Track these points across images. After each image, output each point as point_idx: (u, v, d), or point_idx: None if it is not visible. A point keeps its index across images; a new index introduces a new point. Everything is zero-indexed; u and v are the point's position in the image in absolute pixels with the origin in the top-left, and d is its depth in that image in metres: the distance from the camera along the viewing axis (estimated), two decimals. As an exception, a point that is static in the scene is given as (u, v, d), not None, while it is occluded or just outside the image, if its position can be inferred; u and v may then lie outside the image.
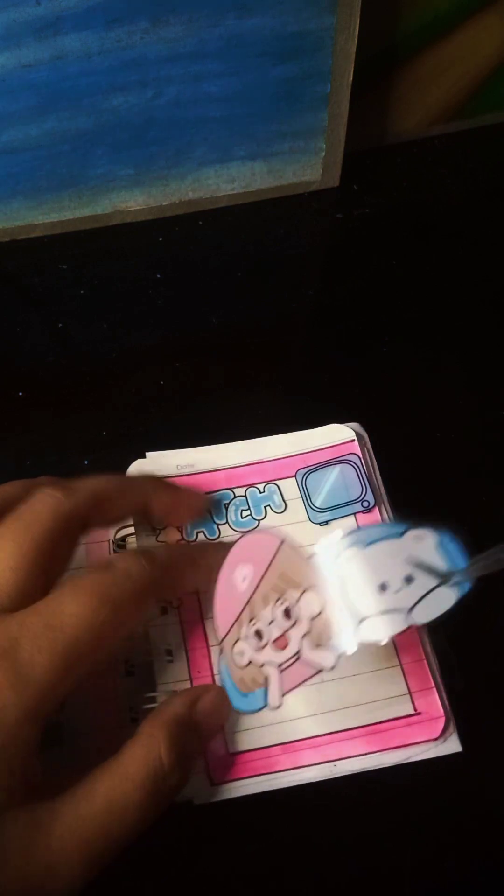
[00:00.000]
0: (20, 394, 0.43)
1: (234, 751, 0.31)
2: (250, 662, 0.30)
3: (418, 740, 0.32)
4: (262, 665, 0.30)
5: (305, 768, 0.31)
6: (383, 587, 0.28)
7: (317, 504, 0.37)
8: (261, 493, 0.37)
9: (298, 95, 0.46)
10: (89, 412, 0.42)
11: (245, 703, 0.30)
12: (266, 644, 0.30)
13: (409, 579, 0.28)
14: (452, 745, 0.32)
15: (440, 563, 0.28)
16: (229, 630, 0.31)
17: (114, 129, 0.45)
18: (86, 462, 0.40)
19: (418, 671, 0.33)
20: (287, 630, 0.29)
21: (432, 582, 0.28)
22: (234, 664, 0.31)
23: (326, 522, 0.36)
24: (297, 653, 0.29)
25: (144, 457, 0.39)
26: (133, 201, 0.49)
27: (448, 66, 0.49)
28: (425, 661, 0.34)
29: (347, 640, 0.28)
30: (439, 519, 0.38)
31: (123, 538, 0.37)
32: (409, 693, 0.33)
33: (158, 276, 0.48)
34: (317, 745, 0.32)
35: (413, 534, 0.28)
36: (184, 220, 0.50)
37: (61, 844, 0.24)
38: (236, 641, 0.31)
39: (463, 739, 0.32)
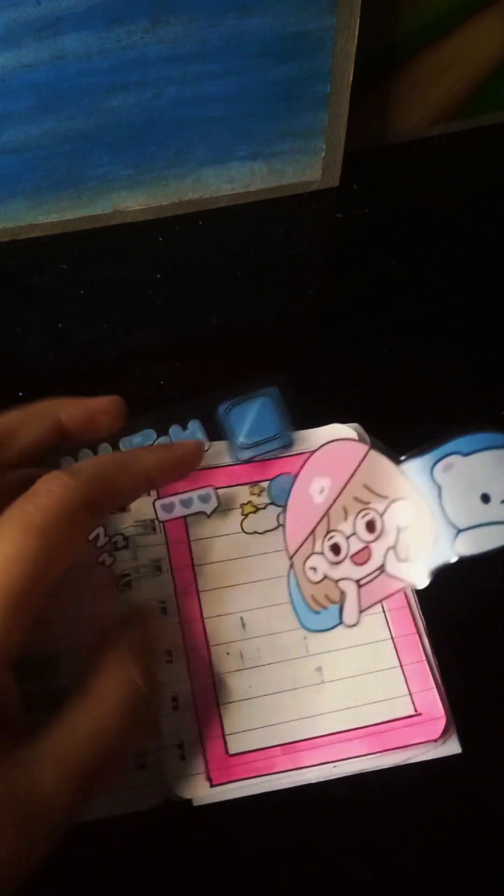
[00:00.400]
0: (20, 394, 0.43)
1: (234, 752, 0.31)
2: (324, 578, 0.29)
3: (418, 741, 0.32)
4: (339, 580, 0.28)
5: (305, 769, 0.31)
6: (485, 498, 0.26)
7: (240, 440, 0.34)
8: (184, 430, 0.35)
9: (298, 95, 0.46)
10: (89, 412, 0.42)
11: (316, 620, 0.29)
12: (345, 558, 0.28)
13: None
14: (452, 747, 0.32)
15: None
16: (301, 545, 0.29)
17: (114, 129, 0.45)
18: (86, 462, 0.40)
19: (418, 672, 0.33)
20: (370, 543, 0.27)
21: None
22: (307, 580, 0.29)
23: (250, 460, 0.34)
24: (381, 567, 0.27)
25: None
26: (133, 201, 0.49)
27: (448, 66, 0.49)
28: (426, 662, 0.33)
29: (443, 552, 0.26)
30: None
31: None
32: (410, 694, 0.33)
33: (158, 276, 0.48)
34: (317, 745, 0.32)
35: None
36: (184, 220, 0.50)
37: (51, 778, 0.24)
38: (309, 556, 0.29)
39: (463, 741, 0.32)
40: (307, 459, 0.30)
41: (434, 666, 0.34)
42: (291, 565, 0.30)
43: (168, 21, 0.41)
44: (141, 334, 0.46)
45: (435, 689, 0.33)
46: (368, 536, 0.27)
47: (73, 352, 0.45)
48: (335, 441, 0.30)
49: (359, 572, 0.28)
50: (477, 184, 0.52)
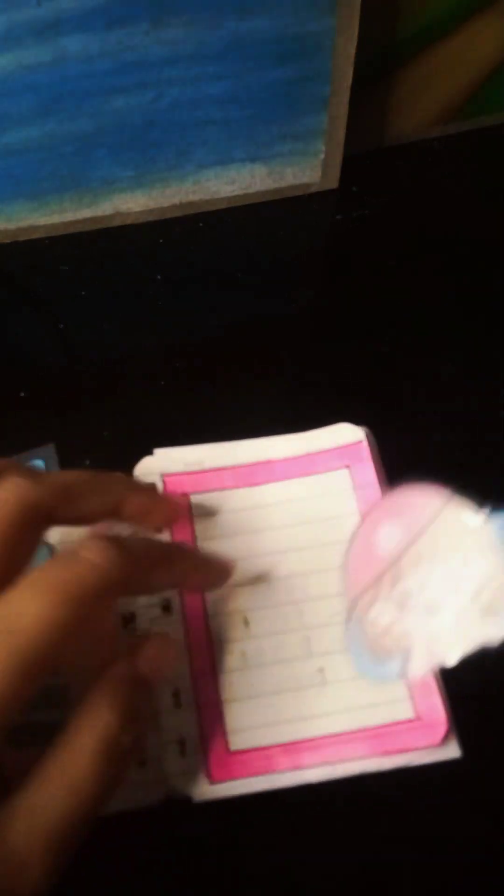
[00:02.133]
0: (21, 394, 0.43)
1: (235, 749, 0.32)
2: (390, 627, 0.28)
3: (418, 745, 0.32)
4: (407, 631, 0.27)
5: (305, 769, 0.31)
6: None
7: None
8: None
9: (298, 97, 0.46)
10: (90, 413, 0.43)
11: (377, 671, 0.28)
12: (415, 608, 0.27)
13: None
14: (452, 751, 0.32)
15: None
16: (365, 590, 0.28)
17: (115, 130, 0.45)
18: (87, 462, 0.40)
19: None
20: (445, 595, 0.27)
21: None
22: (369, 628, 0.28)
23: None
24: (457, 620, 0.27)
25: (152, 454, 0.39)
26: (134, 203, 0.49)
27: (447, 68, 0.49)
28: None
29: None
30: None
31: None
32: (411, 697, 0.32)
33: (159, 277, 0.48)
34: (317, 746, 0.32)
35: None
36: (184, 221, 0.50)
37: (23, 841, 0.23)
38: (374, 603, 0.28)
39: (463, 745, 0.32)
40: (377, 504, 0.29)
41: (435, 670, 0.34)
42: (351, 613, 0.29)
43: (168, 23, 0.41)
44: (141, 335, 0.46)
45: (436, 694, 0.33)
46: (444, 588, 0.27)
47: (74, 352, 0.45)
48: (407, 488, 0.29)
49: (431, 624, 0.27)
50: (476, 185, 0.52)
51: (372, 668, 0.29)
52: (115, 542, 0.27)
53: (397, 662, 0.28)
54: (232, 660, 0.34)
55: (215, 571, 0.33)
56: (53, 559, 0.26)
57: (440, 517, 0.28)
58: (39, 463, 0.39)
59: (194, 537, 0.37)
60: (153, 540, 0.33)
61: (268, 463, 0.39)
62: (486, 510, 0.27)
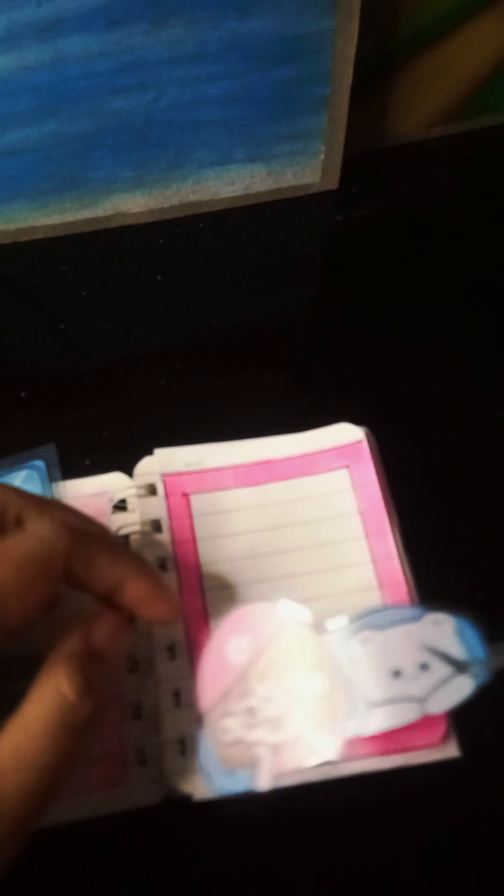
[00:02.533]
0: (21, 394, 0.43)
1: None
2: (238, 740, 0.28)
3: (418, 745, 0.32)
4: (253, 744, 0.28)
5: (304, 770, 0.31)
6: (397, 673, 0.27)
7: None
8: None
9: (298, 98, 0.46)
10: (90, 413, 0.43)
11: (227, 782, 0.28)
12: (260, 722, 0.28)
13: (424, 666, 0.27)
14: (451, 750, 0.32)
15: (458, 651, 0.27)
16: (215, 702, 0.29)
17: (114, 131, 0.45)
18: (87, 462, 0.40)
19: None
20: (287, 710, 0.27)
21: (448, 671, 0.27)
22: (219, 740, 0.29)
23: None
24: (296, 735, 0.27)
25: (152, 454, 0.39)
26: (134, 203, 0.49)
27: (447, 68, 0.50)
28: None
29: (356, 725, 0.27)
30: (441, 522, 0.38)
31: (123, 500, 0.38)
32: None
33: (159, 277, 0.48)
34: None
35: (431, 618, 0.28)
36: (184, 221, 0.50)
37: None
38: (223, 716, 0.29)
39: (462, 745, 0.32)
40: (229, 618, 0.30)
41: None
42: (204, 722, 0.29)
43: (168, 23, 0.41)
44: (142, 335, 0.46)
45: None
46: (286, 703, 0.27)
47: (75, 353, 0.45)
48: (255, 603, 0.30)
49: (275, 737, 0.27)
50: (476, 185, 0.52)
51: (221, 779, 0.28)
52: (67, 523, 0.28)
53: (246, 775, 0.28)
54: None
55: (160, 594, 0.30)
56: (65, 693, 0.26)
57: (282, 633, 0.28)
58: (40, 463, 0.39)
59: (194, 537, 0.37)
60: (105, 535, 0.33)
61: (268, 463, 0.39)
62: (327, 625, 0.28)
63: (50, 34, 0.40)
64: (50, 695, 0.25)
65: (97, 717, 0.26)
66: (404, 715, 0.27)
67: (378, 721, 0.27)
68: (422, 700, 0.27)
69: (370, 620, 0.28)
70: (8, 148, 0.45)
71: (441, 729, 0.32)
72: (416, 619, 0.28)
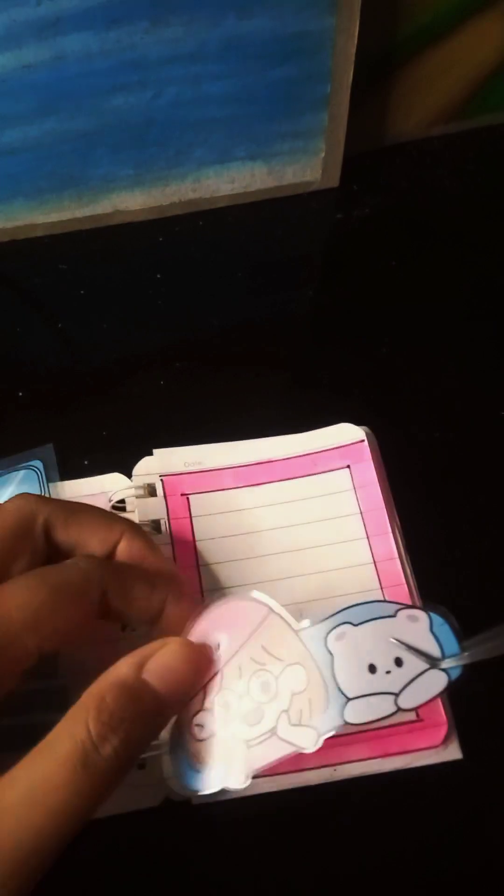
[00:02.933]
0: (20, 394, 0.43)
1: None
2: (212, 735, 0.28)
3: (420, 747, 0.32)
4: (226, 739, 0.28)
5: (305, 771, 0.31)
6: (372, 668, 0.27)
7: None
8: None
9: (298, 96, 0.46)
10: (89, 412, 0.42)
11: (198, 780, 0.28)
12: (235, 717, 0.28)
13: (398, 662, 0.27)
14: (453, 752, 0.32)
15: (432, 646, 0.27)
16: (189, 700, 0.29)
17: (114, 129, 0.45)
18: (86, 462, 0.40)
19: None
20: (262, 704, 0.27)
21: (422, 666, 0.27)
22: (192, 736, 0.28)
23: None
24: (272, 729, 0.27)
25: (151, 454, 0.39)
26: (133, 201, 0.49)
27: (448, 67, 0.49)
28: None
29: (333, 719, 0.27)
30: (440, 521, 0.38)
31: (122, 500, 0.37)
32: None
33: (158, 276, 0.48)
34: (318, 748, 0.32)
35: (406, 614, 0.28)
36: (184, 220, 0.50)
37: None
38: (197, 713, 0.28)
39: (464, 747, 0.32)
40: (201, 615, 0.29)
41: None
42: (175, 720, 0.29)
43: (168, 22, 0.41)
44: (141, 334, 0.46)
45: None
46: (262, 697, 0.28)
47: (74, 352, 0.45)
48: (234, 598, 0.30)
49: (249, 732, 0.27)
50: (477, 184, 0.52)
51: (195, 777, 0.28)
52: (101, 558, 0.29)
53: (216, 772, 0.28)
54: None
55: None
56: (83, 746, 0.24)
57: (259, 629, 0.28)
58: (38, 463, 0.39)
59: (194, 537, 0.37)
60: (137, 566, 0.31)
61: (268, 463, 0.39)
62: (303, 623, 0.28)
63: (50, 33, 0.40)
64: (74, 729, 0.23)
65: (134, 761, 0.25)
66: (379, 709, 0.27)
67: (353, 715, 0.27)
68: (396, 694, 0.27)
69: (346, 615, 0.28)
70: (7, 146, 0.44)
71: (442, 731, 0.32)
72: (391, 615, 0.28)
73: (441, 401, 0.42)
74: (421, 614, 0.28)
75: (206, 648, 0.29)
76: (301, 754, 0.30)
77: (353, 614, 0.28)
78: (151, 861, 0.31)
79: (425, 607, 0.28)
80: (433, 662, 0.27)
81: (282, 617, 0.29)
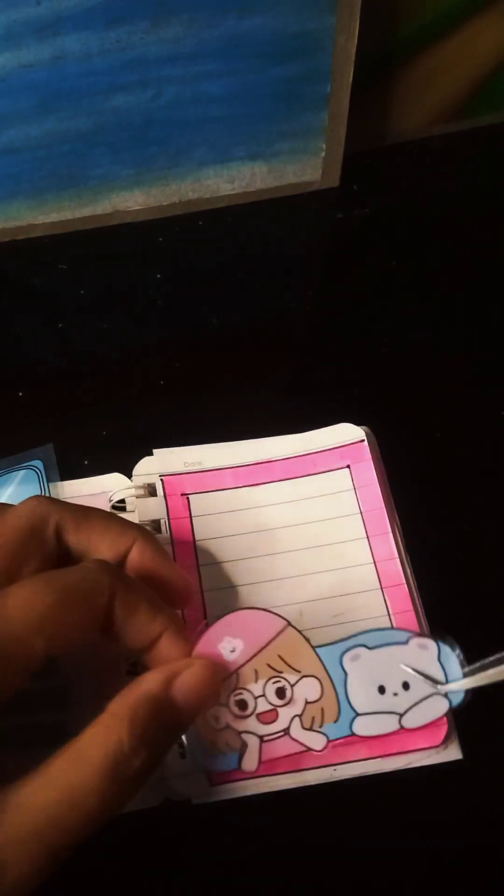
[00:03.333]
0: (20, 394, 0.43)
1: (234, 751, 0.32)
2: (227, 727, 0.30)
3: (419, 747, 0.32)
4: (242, 732, 0.30)
5: (305, 771, 0.31)
6: (381, 689, 0.30)
7: None
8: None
9: (298, 96, 0.46)
10: (89, 412, 0.42)
11: (212, 761, 0.30)
12: (250, 715, 0.30)
13: (406, 685, 0.30)
14: (453, 753, 0.32)
15: (438, 673, 0.30)
16: None
17: (114, 129, 0.45)
18: (86, 462, 0.40)
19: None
20: (277, 707, 0.30)
21: (428, 691, 0.30)
22: (208, 726, 0.30)
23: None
24: (285, 730, 0.30)
25: (151, 454, 0.39)
26: (133, 201, 0.49)
27: (448, 67, 0.49)
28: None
29: (342, 729, 0.30)
30: (440, 521, 0.38)
31: (122, 500, 0.37)
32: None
33: (158, 276, 0.48)
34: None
35: (417, 642, 0.30)
36: (184, 220, 0.50)
37: (10, 837, 0.22)
38: (213, 707, 0.30)
39: (464, 747, 0.32)
40: (218, 622, 0.31)
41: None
42: None
43: (168, 21, 0.41)
44: (141, 334, 0.46)
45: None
46: (277, 701, 0.30)
47: (73, 352, 0.45)
48: (251, 609, 0.32)
49: (264, 730, 0.30)
50: (477, 184, 0.52)
51: (209, 759, 0.30)
52: (114, 564, 0.28)
53: (229, 758, 0.30)
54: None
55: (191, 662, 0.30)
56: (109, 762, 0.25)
57: (278, 639, 0.31)
58: (38, 463, 0.39)
59: (194, 538, 0.37)
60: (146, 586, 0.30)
61: (268, 463, 0.39)
62: (326, 637, 0.31)
63: (49, 32, 0.40)
64: (109, 739, 0.25)
65: (152, 771, 0.26)
66: (384, 726, 0.30)
67: (361, 728, 0.30)
68: (400, 715, 0.30)
69: (362, 638, 0.31)
70: (7, 146, 0.44)
71: (442, 731, 0.32)
72: (403, 642, 0.31)
73: (441, 401, 0.42)
74: (430, 643, 0.30)
75: (223, 668, 0.30)
76: (301, 754, 0.31)
77: (369, 638, 0.31)
78: (151, 861, 0.31)
79: (435, 636, 0.30)
80: (437, 688, 0.30)
81: (300, 633, 0.31)
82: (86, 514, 0.30)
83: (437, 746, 0.31)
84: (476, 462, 0.40)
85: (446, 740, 0.31)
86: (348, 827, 0.31)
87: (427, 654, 0.30)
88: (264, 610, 0.32)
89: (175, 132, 0.46)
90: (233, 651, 0.31)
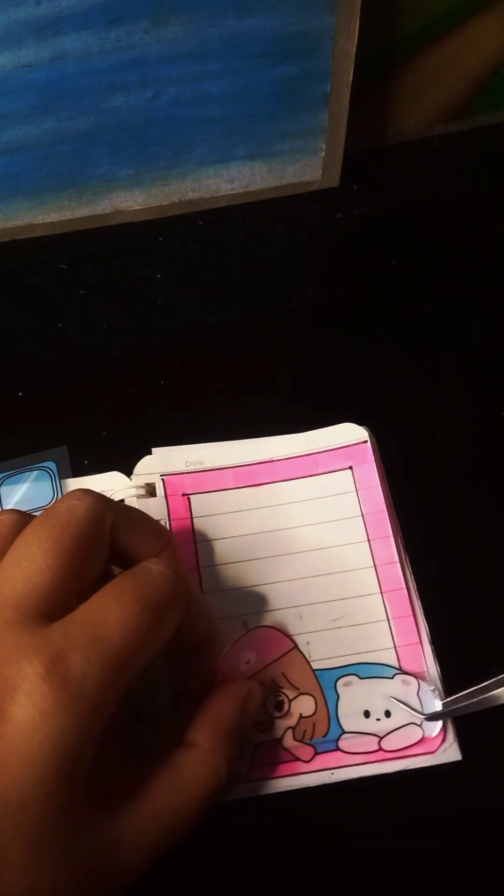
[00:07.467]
0: (20, 394, 0.43)
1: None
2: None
3: (419, 749, 0.32)
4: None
5: (304, 774, 0.31)
6: (367, 713, 0.33)
7: None
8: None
9: (298, 95, 0.46)
10: (89, 412, 0.42)
11: None
12: (284, 715, 0.33)
13: (388, 713, 0.33)
14: (453, 754, 0.32)
15: (417, 705, 0.33)
16: None
17: (114, 128, 0.45)
18: (86, 462, 0.40)
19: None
20: (274, 718, 0.33)
21: (406, 720, 0.33)
22: None
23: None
24: (278, 739, 0.33)
25: (151, 454, 0.39)
26: (133, 201, 0.49)
27: (448, 66, 0.49)
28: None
29: (326, 745, 0.33)
30: (440, 520, 0.38)
31: (122, 500, 0.37)
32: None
33: (158, 275, 0.48)
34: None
35: (401, 678, 0.34)
36: (184, 219, 0.50)
37: (128, 861, 0.25)
38: None
39: (463, 747, 0.32)
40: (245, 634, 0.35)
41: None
42: None
43: (168, 21, 0.41)
44: (141, 334, 0.46)
45: (436, 695, 0.33)
46: (275, 712, 0.33)
47: (73, 352, 0.45)
48: (268, 628, 0.35)
49: (259, 737, 0.33)
50: (477, 184, 0.52)
51: None
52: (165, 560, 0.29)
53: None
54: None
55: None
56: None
57: (284, 658, 0.34)
58: (51, 464, 0.39)
59: (194, 538, 0.37)
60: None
61: (269, 463, 0.39)
62: (324, 662, 0.35)
63: (49, 32, 0.40)
64: (210, 776, 0.28)
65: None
66: (365, 745, 0.33)
67: (345, 745, 0.33)
68: (380, 737, 0.33)
69: (356, 669, 0.34)
70: (7, 146, 0.44)
71: (442, 733, 0.32)
72: (389, 677, 0.34)
73: (441, 401, 0.42)
74: (412, 680, 0.34)
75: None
76: (290, 763, 0.31)
77: (361, 669, 0.34)
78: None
79: (417, 677, 0.34)
80: (415, 719, 0.33)
81: (303, 656, 0.34)
82: (133, 514, 0.30)
83: (436, 749, 0.32)
84: (476, 462, 0.40)
85: (446, 741, 0.32)
86: (348, 829, 0.32)
87: (409, 688, 0.33)
88: (278, 630, 0.35)
89: (175, 132, 0.46)
90: (248, 662, 0.34)
